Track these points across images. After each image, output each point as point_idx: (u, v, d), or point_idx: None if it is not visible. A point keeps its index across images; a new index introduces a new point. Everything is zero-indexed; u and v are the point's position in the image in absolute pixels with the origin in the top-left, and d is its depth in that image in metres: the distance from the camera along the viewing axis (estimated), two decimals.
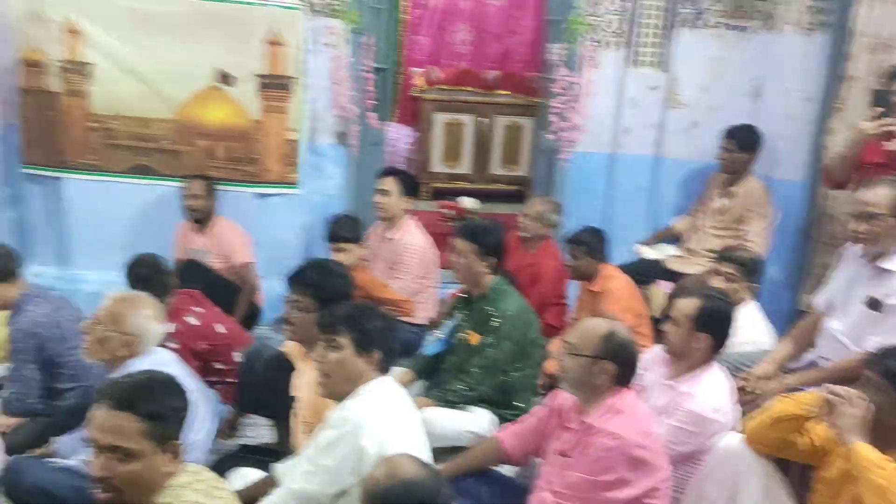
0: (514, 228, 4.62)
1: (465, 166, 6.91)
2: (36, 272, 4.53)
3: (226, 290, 4.39)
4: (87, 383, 3.18)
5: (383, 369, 2.46)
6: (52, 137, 4.66)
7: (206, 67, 4.61)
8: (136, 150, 4.69)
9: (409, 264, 4.42)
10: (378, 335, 2.43)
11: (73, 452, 2.87)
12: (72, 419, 3.10)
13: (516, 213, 4.80)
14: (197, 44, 4.55)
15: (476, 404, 3.30)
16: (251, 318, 4.55)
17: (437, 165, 6.86)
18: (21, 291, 3.26)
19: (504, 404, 3.34)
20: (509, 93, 6.99)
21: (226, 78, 4.65)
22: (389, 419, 2.34)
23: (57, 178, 4.72)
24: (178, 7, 4.51)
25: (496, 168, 6.94)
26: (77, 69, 4.58)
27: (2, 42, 4.49)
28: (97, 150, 4.68)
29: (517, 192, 6.67)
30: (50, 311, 3.21)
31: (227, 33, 4.54)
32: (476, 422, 3.27)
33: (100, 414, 1.85)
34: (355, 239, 4.15)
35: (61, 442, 2.99)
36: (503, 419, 3.28)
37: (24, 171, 4.72)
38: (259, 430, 3.42)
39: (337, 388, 2.43)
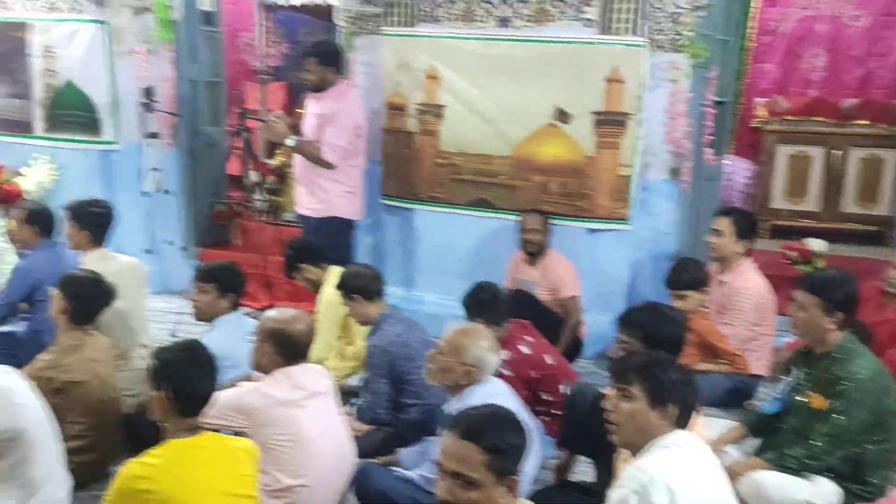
0: (872, 276, 4.10)
1: (811, 203, 6.33)
2: (386, 292, 5.06)
3: (550, 322, 4.49)
4: (429, 402, 3.45)
5: (680, 424, 2.33)
6: (406, 172, 5.20)
7: (545, 106, 4.80)
8: (477, 184, 5.04)
9: (743, 310, 4.14)
10: (674, 388, 2.29)
11: (414, 465, 3.13)
12: (413, 433, 3.40)
13: (873, 258, 4.27)
14: (538, 84, 4.77)
15: (819, 473, 2.97)
16: (574, 350, 4.61)
17: (779, 201, 6.37)
18: (381, 311, 3.66)
19: (854, 478, 2.95)
20: (869, 122, 6.27)
21: (563, 116, 4.80)
22: (684, 477, 2.19)
23: (409, 209, 5.26)
24: (525, 51, 4.77)
25: (849, 206, 6.25)
26: (432, 111, 5.06)
27: (375, 89, 5.15)
28: (444, 185, 5.12)
29: (875, 234, 5.94)
30: (402, 331, 3.56)
31: (569, 73, 4.69)
32: (818, 493, 2.93)
33: (448, 441, 1.99)
34: (698, 286, 3.98)
35: (404, 453, 3.28)
36: (852, 494, 2.91)
37: (383, 202, 5.32)
38: (581, 468, 3.43)
39: (628, 438, 2.34)
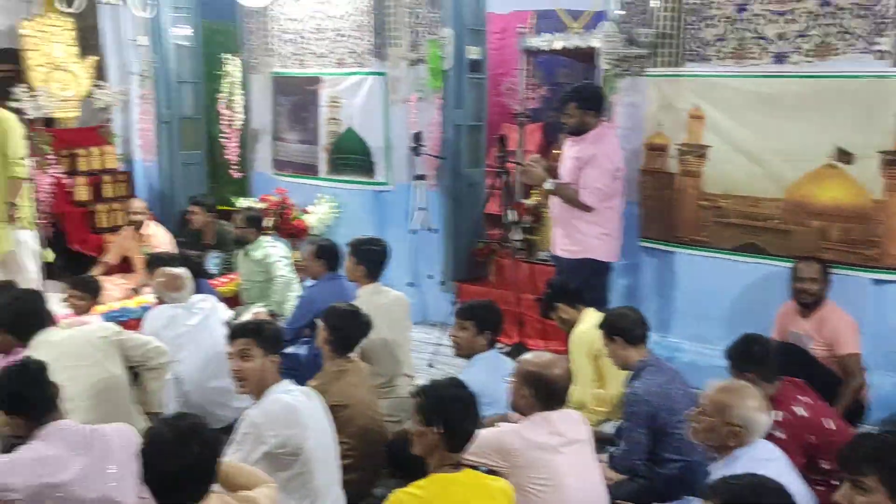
0: None
1: None
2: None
3: (826, 381, 4.07)
4: (690, 458, 3.28)
5: None
6: (666, 214, 5.05)
7: (823, 145, 4.44)
8: (744, 228, 4.76)
9: None
10: None
11: None
12: (671, 489, 3.24)
13: None
14: (816, 122, 4.43)
15: None
16: (854, 414, 4.14)
17: None
18: (641, 357, 3.55)
19: None
20: None
21: (844, 155, 4.40)
22: None
23: (669, 252, 5.09)
24: (802, 87, 4.46)
25: None
26: (694, 151, 4.88)
27: (635, 130, 5.10)
28: (707, 228, 4.89)
29: None
30: (664, 381, 3.42)
31: (854, 109, 4.31)
32: None
33: None
34: None
35: None
36: None
37: (641, 244, 5.20)
38: None
39: None
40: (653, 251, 5.18)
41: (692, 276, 5.01)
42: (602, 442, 3.79)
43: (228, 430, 3.07)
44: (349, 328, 3.64)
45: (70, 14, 6.65)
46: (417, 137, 5.99)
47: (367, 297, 4.24)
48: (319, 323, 3.64)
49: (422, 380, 4.56)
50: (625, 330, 3.60)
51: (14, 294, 3.88)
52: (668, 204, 5.03)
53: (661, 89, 4.96)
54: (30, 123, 6.04)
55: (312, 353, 4.47)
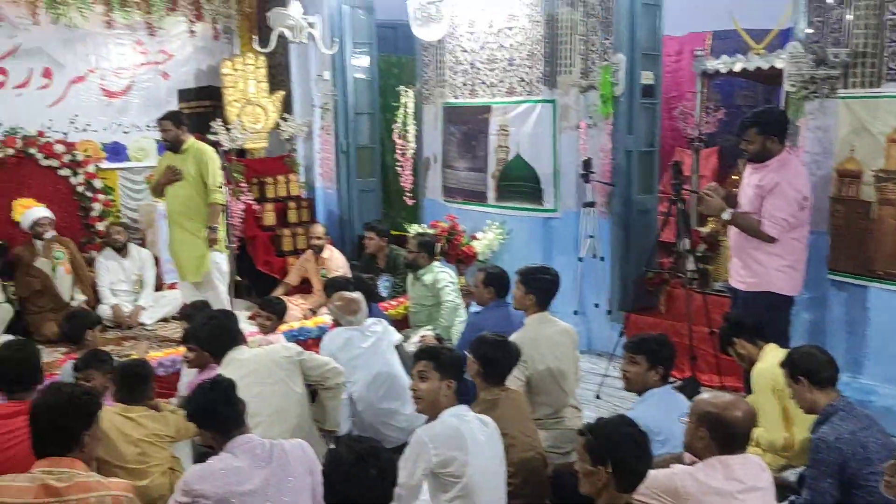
0: None
1: None
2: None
3: None
4: None
5: None
6: (860, 245, 4.67)
7: None
8: None
9: None
10: None
11: None
12: None
13: None
14: None
15: None
16: None
17: None
18: (830, 400, 3.27)
19: None
20: None
21: None
22: None
23: (861, 286, 4.70)
24: None
25: None
26: (894, 178, 4.48)
27: (824, 156, 4.76)
28: None
29: None
30: (857, 428, 3.12)
31: None
32: None
33: None
34: None
35: None
36: None
37: (829, 276, 4.84)
38: None
39: None
40: (842, 285, 4.80)
41: (889, 312, 4.58)
42: (783, 489, 3.53)
43: (398, 451, 3.16)
44: (498, 358, 3.62)
45: (263, 53, 7.20)
46: (587, 164, 5.93)
47: (534, 327, 4.22)
48: (468, 355, 3.64)
49: (589, 411, 4.48)
50: (811, 371, 3.33)
51: (209, 314, 4.21)
52: (862, 234, 4.65)
53: (854, 112, 4.60)
54: (225, 154, 6.56)
55: None
